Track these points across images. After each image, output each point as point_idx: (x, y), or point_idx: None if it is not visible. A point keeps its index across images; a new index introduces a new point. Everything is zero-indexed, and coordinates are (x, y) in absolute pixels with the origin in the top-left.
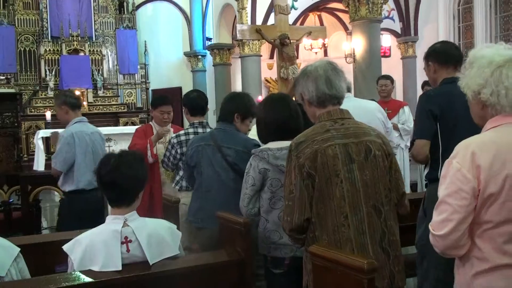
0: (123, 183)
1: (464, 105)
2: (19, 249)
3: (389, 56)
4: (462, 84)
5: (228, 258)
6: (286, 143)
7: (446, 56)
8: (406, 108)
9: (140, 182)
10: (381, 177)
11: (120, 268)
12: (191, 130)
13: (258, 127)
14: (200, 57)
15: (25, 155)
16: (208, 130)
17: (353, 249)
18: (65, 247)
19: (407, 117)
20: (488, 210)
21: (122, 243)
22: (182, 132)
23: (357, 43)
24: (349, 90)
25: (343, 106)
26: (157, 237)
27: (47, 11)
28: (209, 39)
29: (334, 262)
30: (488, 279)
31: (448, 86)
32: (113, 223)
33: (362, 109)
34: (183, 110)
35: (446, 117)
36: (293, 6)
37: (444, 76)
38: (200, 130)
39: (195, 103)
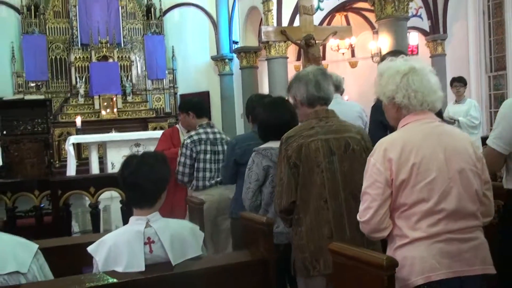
0: (145, 184)
1: None
2: (37, 245)
3: (417, 54)
4: (377, 93)
5: (251, 258)
6: None
7: None
8: None
9: (163, 183)
10: (359, 168)
11: (143, 269)
12: (201, 130)
13: (260, 127)
14: (227, 60)
15: (57, 161)
16: (215, 130)
17: (332, 229)
18: (89, 249)
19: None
20: (402, 194)
21: (145, 243)
22: (193, 132)
23: (384, 42)
24: (338, 89)
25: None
26: (179, 238)
27: (76, 19)
28: (236, 43)
29: (354, 259)
30: (405, 250)
31: None
32: (136, 224)
33: (344, 112)
34: (183, 116)
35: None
36: (318, 7)
37: None
38: (209, 130)
39: (201, 105)
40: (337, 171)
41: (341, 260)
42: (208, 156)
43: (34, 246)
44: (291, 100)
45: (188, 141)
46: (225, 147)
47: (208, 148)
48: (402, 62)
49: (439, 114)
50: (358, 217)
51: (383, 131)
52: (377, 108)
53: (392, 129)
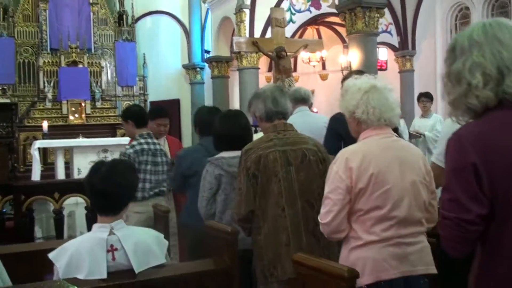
0: (115, 191)
1: None
2: None
3: (385, 69)
4: (341, 108)
5: (215, 267)
6: (238, 153)
7: None
8: (401, 121)
9: (132, 191)
10: (315, 177)
11: (105, 276)
12: (143, 141)
13: (214, 138)
14: (198, 69)
15: (22, 166)
16: (155, 140)
17: (289, 236)
18: (50, 255)
19: (402, 129)
20: (360, 201)
21: (107, 251)
22: (135, 142)
23: (354, 56)
24: (306, 102)
25: (295, 120)
26: (143, 246)
27: (46, 24)
28: (208, 52)
29: (316, 270)
30: (359, 251)
31: None
32: (99, 231)
33: (311, 123)
34: (124, 123)
35: (350, 136)
36: (291, 20)
37: None
38: (149, 140)
39: (140, 115)
40: (294, 180)
41: (303, 271)
42: (149, 167)
43: None
44: (251, 117)
45: (131, 151)
46: (164, 158)
47: (150, 159)
48: (365, 80)
49: (395, 130)
50: (319, 219)
51: (337, 141)
52: (336, 120)
53: (346, 140)
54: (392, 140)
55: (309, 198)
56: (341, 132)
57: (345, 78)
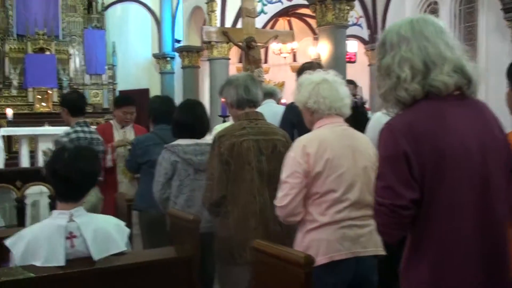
0: (77, 178)
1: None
2: None
3: (354, 62)
4: (296, 101)
5: (176, 255)
6: (193, 141)
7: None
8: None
9: (95, 178)
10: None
11: (63, 264)
12: (79, 128)
13: (172, 125)
14: (168, 59)
15: None
16: (92, 129)
17: (257, 221)
18: (7, 242)
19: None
20: (316, 184)
21: (66, 238)
22: (71, 130)
23: (323, 48)
24: (272, 96)
25: (262, 110)
26: (103, 233)
27: (13, 9)
28: (178, 41)
29: (274, 257)
30: (314, 233)
31: None
32: (58, 218)
33: (275, 114)
34: (61, 109)
35: (301, 124)
36: (262, 11)
37: None
38: (86, 129)
39: (75, 103)
40: (264, 169)
41: (262, 257)
42: None
43: None
44: (223, 102)
45: (66, 139)
46: (101, 147)
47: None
48: (317, 74)
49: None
50: (275, 203)
51: (290, 128)
52: (290, 109)
53: (299, 128)
54: (344, 128)
55: (277, 187)
56: (293, 120)
57: (298, 71)
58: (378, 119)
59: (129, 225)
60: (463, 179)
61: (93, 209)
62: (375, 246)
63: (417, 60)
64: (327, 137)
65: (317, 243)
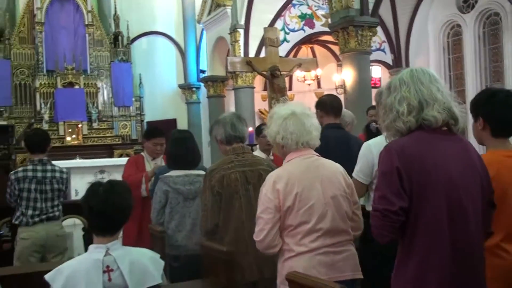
0: (113, 213)
1: (335, 142)
2: None
3: (379, 87)
4: (267, 135)
5: None
6: (184, 172)
7: (329, 106)
8: None
9: (129, 212)
10: None
11: None
12: (30, 167)
13: (166, 157)
14: (194, 89)
15: None
16: (48, 167)
17: (247, 245)
18: (46, 276)
19: None
20: (289, 217)
21: (104, 272)
22: (21, 168)
23: (347, 75)
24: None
25: None
26: (139, 266)
27: (42, 45)
28: (203, 72)
29: None
30: (292, 261)
31: (328, 130)
32: (95, 252)
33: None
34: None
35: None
36: (285, 39)
37: (327, 122)
38: (39, 167)
39: (33, 141)
40: (252, 197)
41: None
42: (32, 195)
43: None
44: (251, 132)
45: (12, 177)
46: (55, 185)
47: (33, 186)
48: (287, 107)
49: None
50: (254, 237)
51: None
52: None
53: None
54: (313, 160)
55: None
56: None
57: (316, 104)
58: (366, 147)
59: (162, 257)
60: (441, 198)
61: None
62: (352, 270)
63: (413, 99)
64: (295, 171)
65: (295, 270)
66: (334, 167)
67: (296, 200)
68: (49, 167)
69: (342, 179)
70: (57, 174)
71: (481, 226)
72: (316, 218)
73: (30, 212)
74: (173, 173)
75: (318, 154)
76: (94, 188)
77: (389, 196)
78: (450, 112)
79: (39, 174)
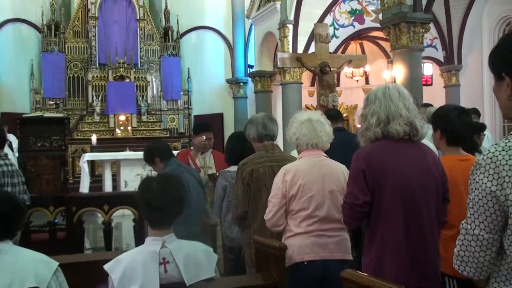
0: (171, 206)
1: (337, 144)
2: (57, 263)
3: (431, 84)
4: (286, 135)
5: (263, 282)
6: None
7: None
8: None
9: (183, 204)
10: None
11: None
12: (1, 162)
13: (225, 153)
14: (241, 84)
15: (71, 178)
16: (7, 161)
17: (272, 232)
18: (106, 266)
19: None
20: (292, 203)
21: (160, 264)
22: None
23: (398, 72)
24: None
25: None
26: (194, 259)
27: (95, 39)
28: (251, 67)
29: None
30: (291, 239)
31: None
32: (152, 244)
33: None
34: None
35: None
36: (334, 35)
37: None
38: (7, 161)
39: None
40: None
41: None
42: (9, 188)
43: (54, 264)
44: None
45: None
46: (20, 179)
47: (9, 180)
48: (305, 114)
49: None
50: (264, 216)
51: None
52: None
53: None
54: (320, 159)
55: None
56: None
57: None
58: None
59: (214, 250)
60: (397, 195)
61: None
62: (343, 252)
63: (382, 113)
64: (302, 167)
65: (293, 247)
66: (337, 166)
67: (299, 190)
68: (11, 161)
69: (342, 177)
70: (16, 168)
71: (435, 218)
72: (314, 207)
73: None
74: (232, 168)
75: (326, 155)
76: (147, 183)
77: (355, 192)
78: (412, 125)
79: (10, 168)
